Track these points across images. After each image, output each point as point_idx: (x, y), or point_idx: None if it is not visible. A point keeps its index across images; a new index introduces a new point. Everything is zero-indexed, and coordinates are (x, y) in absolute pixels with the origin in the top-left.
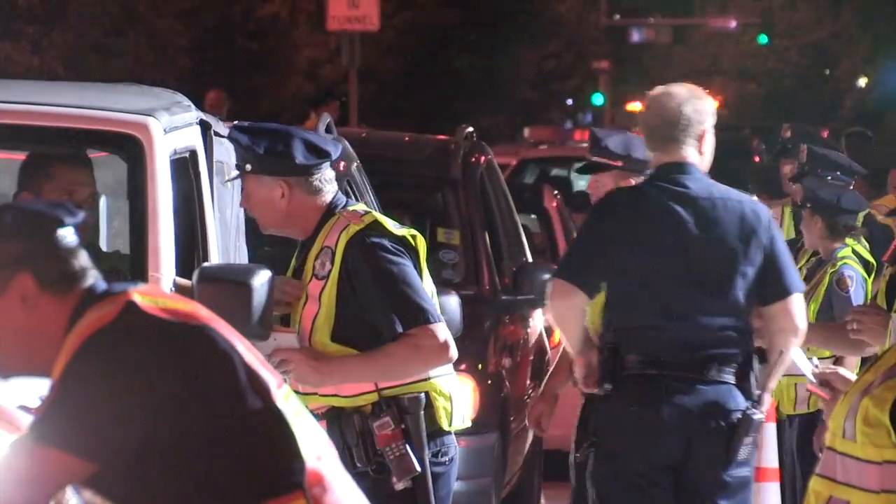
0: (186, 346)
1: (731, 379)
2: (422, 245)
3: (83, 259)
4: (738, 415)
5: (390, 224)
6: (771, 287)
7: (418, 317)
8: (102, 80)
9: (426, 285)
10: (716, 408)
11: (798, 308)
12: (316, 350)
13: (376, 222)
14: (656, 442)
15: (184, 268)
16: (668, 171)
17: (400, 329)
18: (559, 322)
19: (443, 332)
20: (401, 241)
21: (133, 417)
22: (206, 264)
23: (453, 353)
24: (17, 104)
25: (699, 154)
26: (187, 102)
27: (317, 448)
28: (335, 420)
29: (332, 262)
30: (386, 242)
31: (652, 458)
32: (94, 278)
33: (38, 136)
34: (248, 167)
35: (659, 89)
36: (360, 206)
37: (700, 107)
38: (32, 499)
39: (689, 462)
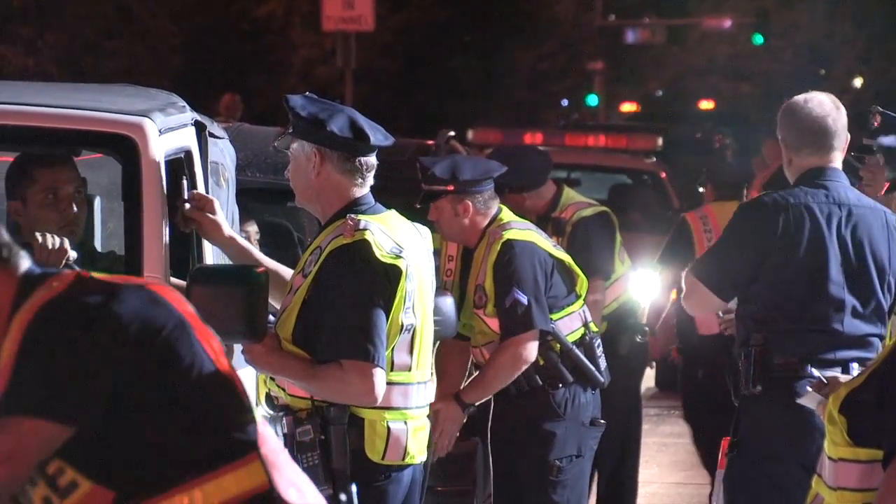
0: (142, 306)
1: None
2: (424, 265)
3: (3, 234)
4: None
5: (380, 248)
6: None
7: (357, 351)
8: (97, 80)
9: (402, 315)
10: None
11: None
12: (271, 335)
13: (364, 242)
14: (805, 443)
15: (178, 269)
16: (818, 176)
17: (336, 355)
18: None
19: (373, 376)
20: (381, 268)
21: (98, 374)
22: (200, 265)
23: (376, 398)
24: (12, 105)
25: (842, 160)
26: (182, 103)
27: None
28: (278, 419)
29: (315, 265)
30: (362, 268)
31: (799, 459)
32: (28, 259)
33: (32, 137)
34: (290, 130)
35: (804, 97)
36: (374, 219)
37: (845, 113)
38: (14, 474)
39: None
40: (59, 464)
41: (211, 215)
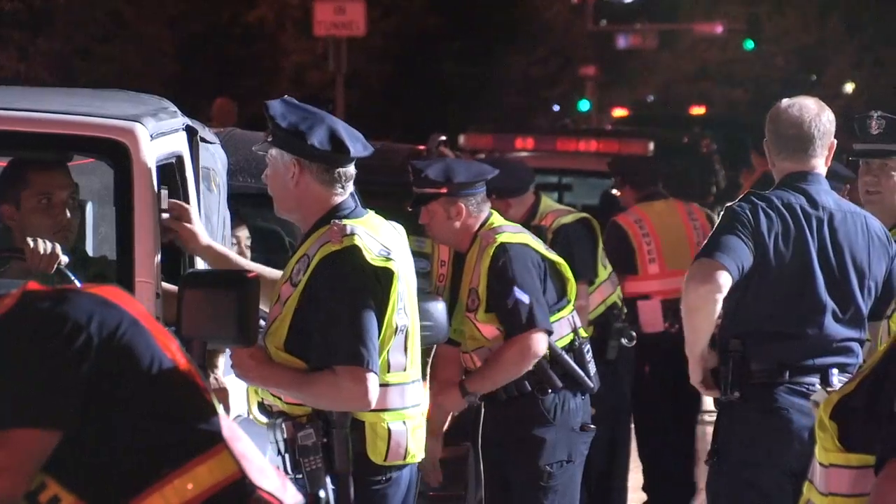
0: (94, 308)
1: None
2: (407, 268)
3: None
4: None
5: (370, 252)
6: (881, 305)
7: (350, 356)
8: (89, 85)
9: (396, 317)
10: None
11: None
12: (260, 347)
13: (353, 248)
14: (784, 448)
15: (170, 273)
16: (798, 180)
17: (329, 361)
18: (695, 308)
19: (367, 381)
20: (372, 273)
21: (70, 374)
22: (191, 270)
23: (369, 403)
24: (3, 110)
25: (825, 165)
26: (174, 108)
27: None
28: (277, 425)
29: (305, 273)
30: (354, 273)
31: (779, 464)
32: None
33: (24, 141)
34: (269, 138)
35: (789, 101)
36: (358, 223)
37: (832, 118)
38: (12, 486)
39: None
40: (41, 478)
41: (187, 224)
